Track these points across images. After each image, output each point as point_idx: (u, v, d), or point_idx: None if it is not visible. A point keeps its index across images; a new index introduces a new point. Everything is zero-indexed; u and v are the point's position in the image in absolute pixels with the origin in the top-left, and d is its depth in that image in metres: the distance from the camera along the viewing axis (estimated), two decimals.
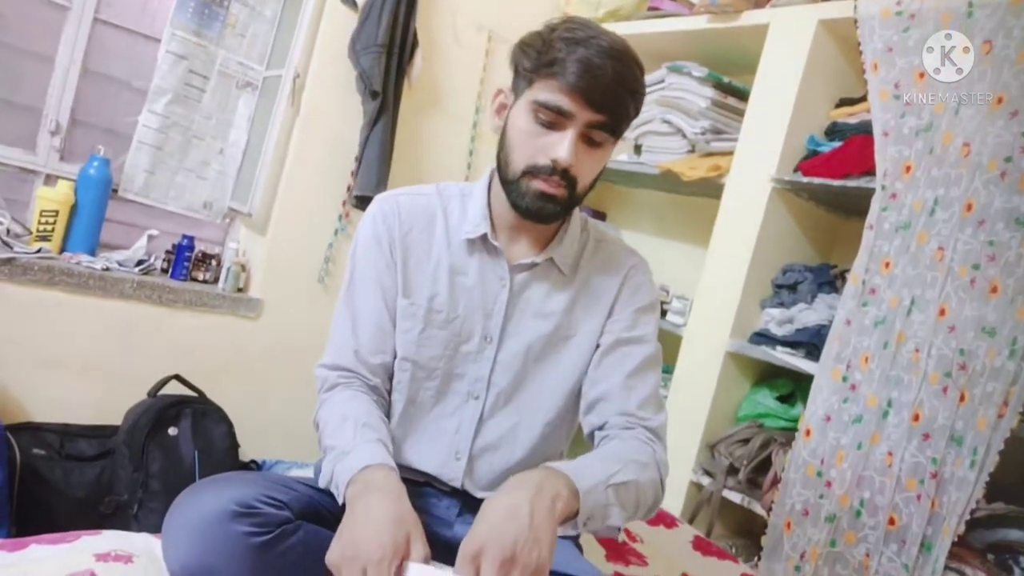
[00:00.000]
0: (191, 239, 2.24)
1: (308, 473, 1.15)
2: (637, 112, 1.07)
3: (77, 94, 2.16)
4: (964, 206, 1.61)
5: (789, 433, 1.89)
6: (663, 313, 2.27)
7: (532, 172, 1.04)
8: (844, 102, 2.03)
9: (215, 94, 2.30)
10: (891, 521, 1.60)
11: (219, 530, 0.88)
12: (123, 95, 2.26)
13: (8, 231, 1.98)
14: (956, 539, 1.51)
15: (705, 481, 1.95)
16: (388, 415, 1.15)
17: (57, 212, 2.03)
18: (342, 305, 1.15)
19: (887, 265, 1.73)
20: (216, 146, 2.33)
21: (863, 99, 1.91)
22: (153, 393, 1.99)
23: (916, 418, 1.61)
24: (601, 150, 1.06)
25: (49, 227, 2.03)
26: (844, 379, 1.74)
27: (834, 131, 1.99)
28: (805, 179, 1.90)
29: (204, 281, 2.25)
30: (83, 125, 2.20)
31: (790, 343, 1.92)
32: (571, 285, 1.15)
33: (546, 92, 1.01)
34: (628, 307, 1.16)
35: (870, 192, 1.77)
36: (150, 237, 2.20)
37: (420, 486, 1.15)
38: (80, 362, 2.01)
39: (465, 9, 2.46)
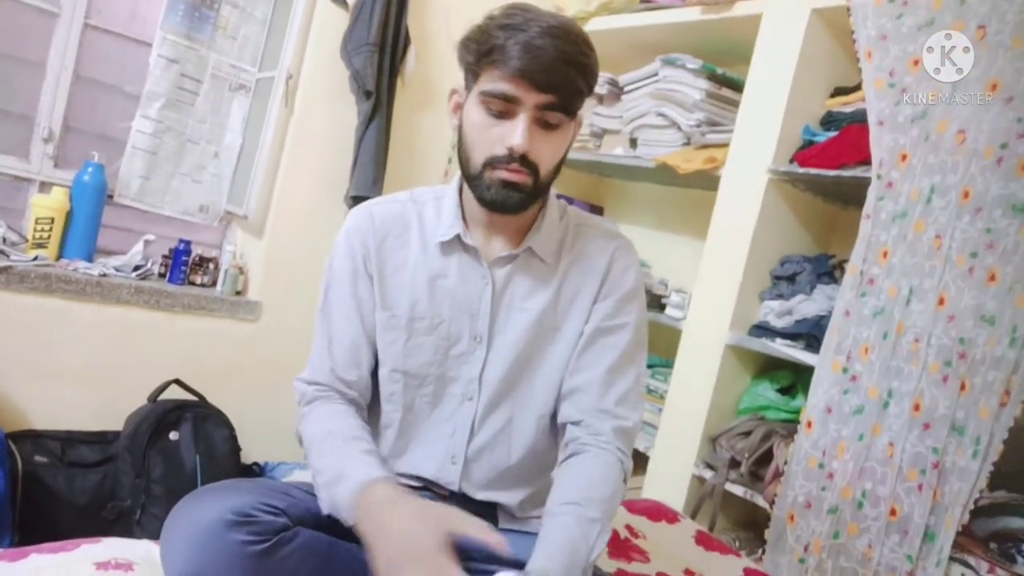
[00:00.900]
0: (188, 243, 2.24)
1: (310, 475, 1.15)
2: (590, 88, 1.04)
3: (69, 100, 2.16)
4: (961, 194, 1.60)
5: (790, 425, 1.88)
6: (662, 308, 2.26)
7: (492, 163, 1.03)
8: (839, 91, 2.02)
9: (208, 97, 2.29)
10: (892, 512, 1.60)
11: (217, 539, 0.88)
12: (116, 100, 2.26)
13: (4, 239, 1.99)
14: (960, 529, 1.51)
15: (707, 475, 1.95)
16: (373, 427, 1.14)
17: (53, 219, 2.03)
18: (318, 321, 1.15)
19: (885, 255, 1.72)
20: (211, 149, 2.33)
21: (858, 87, 1.90)
22: (153, 398, 2.00)
23: (917, 408, 1.60)
24: (558, 131, 1.04)
25: (45, 234, 2.03)
26: (844, 370, 1.73)
27: (830, 120, 1.98)
28: (801, 170, 1.89)
29: (202, 285, 2.25)
30: (76, 131, 2.20)
31: (790, 335, 1.91)
32: (555, 274, 1.14)
33: (491, 82, 1.00)
34: (613, 293, 1.14)
35: (866, 181, 1.76)
36: (147, 242, 2.20)
37: (418, 492, 1.15)
38: (80, 369, 2.01)
39: (458, 6, 2.45)
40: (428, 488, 1.15)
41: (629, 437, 1.10)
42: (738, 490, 1.89)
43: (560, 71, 0.98)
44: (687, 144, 2.25)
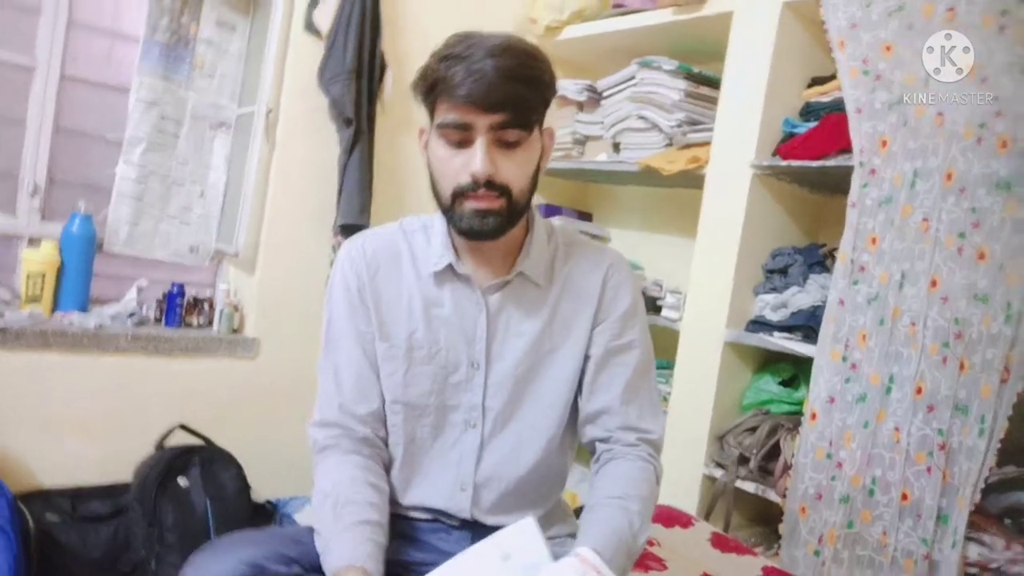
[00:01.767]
0: (180, 286, 2.24)
1: None
2: (545, 100, 1.06)
3: (52, 153, 2.16)
4: (944, 176, 1.62)
5: (795, 417, 1.89)
6: (658, 310, 2.27)
7: (460, 193, 1.04)
8: (816, 81, 2.03)
9: (189, 137, 2.30)
10: (904, 497, 1.60)
11: None
12: (98, 149, 2.25)
13: None
14: (972, 508, 1.52)
15: (717, 473, 1.95)
16: (386, 461, 1.15)
17: (44, 274, 2.03)
18: (323, 359, 1.16)
19: (874, 241, 1.73)
20: (196, 189, 2.33)
21: (834, 77, 1.91)
22: (159, 445, 1.99)
23: (919, 391, 1.61)
24: (520, 148, 1.04)
25: (38, 289, 2.02)
26: (844, 359, 1.74)
27: (808, 111, 1.99)
28: (784, 163, 1.90)
29: (199, 326, 2.25)
30: (61, 183, 2.20)
31: (786, 327, 1.92)
32: (548, 296, 1.14)
33: (443, 113, 1.02)
34: (612, 313, 1.15)
35: (849, 170, 1.77)
36: (140, 288, 2.20)
37: (430, 523, 1.16)
38: (83, 421, 2.01)
39: (434, 28, 2.45)
40: (438, 520, 1.16)
41: (656, 447, 1.14)
42: (749, 487, 1.90)
43: (504, 88, 0.98)
44: (669, 145, 2.26)
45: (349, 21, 2.21)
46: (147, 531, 1.83)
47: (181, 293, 2.23)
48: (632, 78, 2.32)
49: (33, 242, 2.12)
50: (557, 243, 1.19)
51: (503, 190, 1.03)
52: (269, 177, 2.30)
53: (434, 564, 1.03)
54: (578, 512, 1.15)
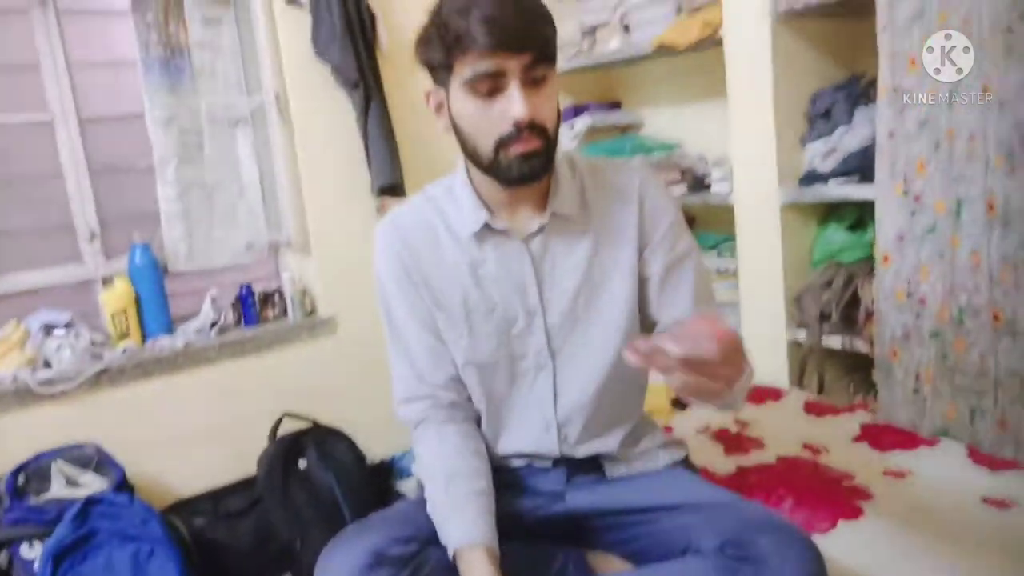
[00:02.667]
0: (248, 286, 2.33)
1: None
2: (554, 27, 1.06)
3: (95, 195, 2.24)
4: None
5: (867, 263, 1.83)
6: (707, 187, 2.21)
7: (503, 143, 1.03)
8: None
9: (212, 142, 2.33)
10: (995, 317, 1.55)
11: None
12: (134, 178, 2.32)
13: (93, 342, 2.12)
14: None
15: (801, 336, 1.93)
16: (476, 417, 1.21)
17: (125, 309, 2.15)
18: (391, 345, 1.20)
19: (912, 62, 1.62)
20: (234, 189, 2.38)
21: None
22: (272, 435, 2.13)
23: (991, 208, 1.53)
24: (548, 82, 1.05)
25: (124, 325, 2.15)
26: (905, 193, 1.66)
27: None
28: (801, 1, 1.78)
29: (275, 318, 2.35)
30: (113, 221, 2.28)
31: (841, 173, 1.84)
32: (587, 228, 1.15)
33: (470, 67, 1.00)
34: (658, 229, 1.16)
35: None
36: (212, 299, 2.30)
37: (526, 468, 1.21)
38: (199, 431, 2.17)
39: None
40: (531, 462, 1.21)
41: None
42: (835, 341, 1.87)
43: (527, 29, 1.00)
44: (679, 12, 2.15)
45: None
46: (284, 515, 1.98)
47: (251, 292, 2.33)
48: None
49: (106, 282, 2.24)
50: (582, 173, 1.18)
51: (542, 129, 1.04)
52: (297, 159, 2.33)
53: (541, 508, 1.14)
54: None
